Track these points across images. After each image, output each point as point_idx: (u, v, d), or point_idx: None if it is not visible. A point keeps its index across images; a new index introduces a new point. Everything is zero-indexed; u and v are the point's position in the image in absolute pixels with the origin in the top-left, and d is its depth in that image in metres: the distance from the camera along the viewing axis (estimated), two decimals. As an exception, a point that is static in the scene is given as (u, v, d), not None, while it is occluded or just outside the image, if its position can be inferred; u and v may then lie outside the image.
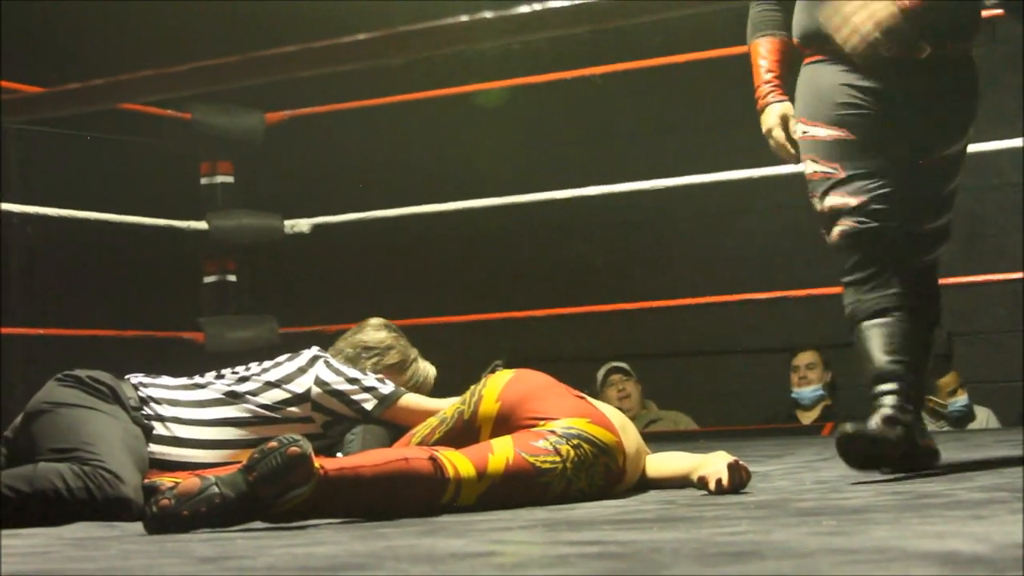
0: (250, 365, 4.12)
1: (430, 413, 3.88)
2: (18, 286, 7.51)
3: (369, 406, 4.00)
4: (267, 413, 3.98)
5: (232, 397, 3.99)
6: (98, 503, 3.56)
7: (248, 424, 3.97)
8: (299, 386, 4.01)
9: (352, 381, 4.03)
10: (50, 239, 7.76)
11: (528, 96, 8.47)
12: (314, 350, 4.15)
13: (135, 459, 3.73)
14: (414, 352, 4.35)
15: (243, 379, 4.04)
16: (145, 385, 3.98)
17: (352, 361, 4.21)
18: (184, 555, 2.56)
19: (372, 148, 9.00)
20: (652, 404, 7.84)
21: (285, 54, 2.19)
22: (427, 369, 4.35)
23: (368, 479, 3.20)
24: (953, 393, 7.12)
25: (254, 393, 3.99)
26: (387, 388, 4.04)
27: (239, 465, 3.15)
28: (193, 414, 3.95)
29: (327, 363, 4.07)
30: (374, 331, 4.32)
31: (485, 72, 7.99)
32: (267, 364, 4.10)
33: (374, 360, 4.23)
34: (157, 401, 3.94)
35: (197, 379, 4.08)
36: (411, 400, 4.04)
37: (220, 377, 4.08)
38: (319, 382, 4.01)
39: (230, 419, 3.97)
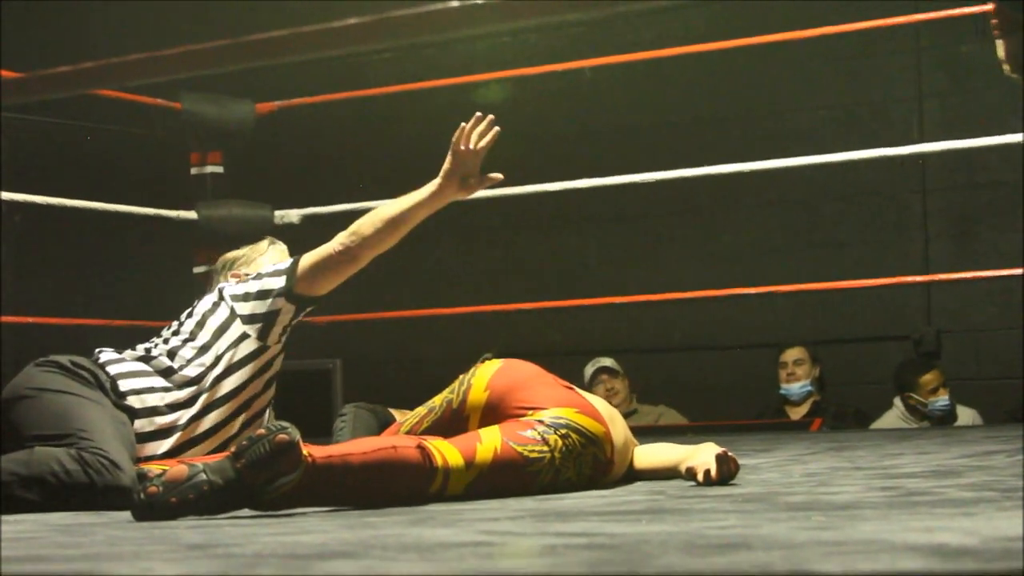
0: (172, 323, 4.14)
1: (327, 256, 3.96)
2: (7, 274, 7.49)
3: (281, 283, 4.01)
4: (209, 356, 3.98)
5: (177, 350, 4.00)
6: (97, 490, 3.53)
7: (203, 372, 3.97)
8: (222, 312, 4.04)
9: (256, 278, 4.08)
10: (40, 227, 7.75)
11: (520, 89, 8.47)
12: (215, 291, 4.19)
13: (126, 446, 3.72)
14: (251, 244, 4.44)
15: (175, 333, 4.07)
16: (111, 362, 3.96)
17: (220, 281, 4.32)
18: (171, 542, 2.55)
19: (362, 139, 8.99)
20: (633, 398, 7.84)
21: (275, 39, 2.18)
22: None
23: (356, 467, 3.19)
24: (934, 391, 7.09)
25: (192, 337, 4.02)
26: (284, 264, 4.08)
27: (227, 453, 3.14)
28: (158, 382, 3.94)
29: (229, 286, 4.12)
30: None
31: (476, 64, 7.99)
32: (185, 315, 4.12)
33: (228, 269, 4.33)
34: (124, 376, 3.92)
35: (143, 349, 4.07)
36: (308, 257, 4.05)
37: (155, 344, 4.09)
38: (234, 298, 4.04)
39: (188, 378, 3.96)
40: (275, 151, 8.70)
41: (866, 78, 8.25)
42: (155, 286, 8.18)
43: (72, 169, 7.91)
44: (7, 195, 6.19)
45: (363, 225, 4.07)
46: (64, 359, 3.88)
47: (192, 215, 7.02)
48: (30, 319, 6.59)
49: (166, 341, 4.07)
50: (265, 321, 4.03)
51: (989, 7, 4.73)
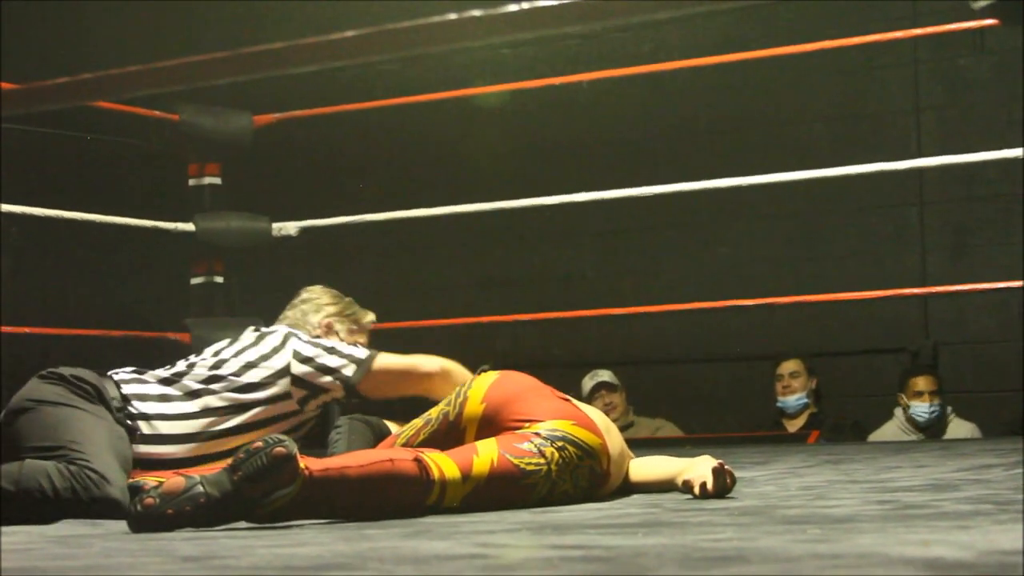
0: (219, 348, 4.12)
1: (408, 372, 3.94)
2: (6, 285, 7.50)
3: (349, 372, 4.03)
4: (246, 396, 3.98)
5: (212, 381, 3.99)
6: (84, 503, 3.54)
7: (228, 412, 3.96)
8: (278, 362, 4.02)
9: (329, 350, 4.06)
10: (37, 239, 7.75)
11: (518, 101, 8.47)
12: (284, 328, 4.16)
13: (120, 459, 3.72)
14: (355, 309, 4.41)
15: (221, 362, 4.04)
16: (127, 382, 3.96)
17: (298, 323, 4.24)
18: (167, 554, 2.55)
19: (361, 151, 9.00)
20: (630, 411, 7.85)
21: (273, 51, 2.18)
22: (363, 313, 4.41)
23: (353, 480, 3.19)
24: (920, 396, 7.07)
25: (236, 374, 4.00)
26: (362, 353, 4.06)
27: (224, 464, 3.14)
28: (175, 408, 3.94)
29: (299, 338, 4.09)
30: (309, 291, 4.40)
31: (475, 77, 8.00)
32: (241, 345, 4.09)
33: (318, 314, 4.28)
34: (140, 398, 3.92)
35: (175, 369, 4.06)
36: (387, 360, 4.06)
37: (193, 365, 4.07)
38: (296, 355, 4.03)
39: (212, 409, 3.96)
40: (273, 163, 8.70)
41: (864, 91, 8.26)
42: (153, 297, 8.18)
43: (70, 181, 7.91)
44: (5, 207, 6.18)
45: (457, 374, 4.11)
46: (67, 371, 3.89)
47: (190, 227, 7.01)
48: (28, 330, 6.59)
49: (210, 368, 4.03)
50: (312, 391, 4.04)
51: (988, 22, 4.74)
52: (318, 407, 4.10)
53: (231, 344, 4.12)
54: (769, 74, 8.11)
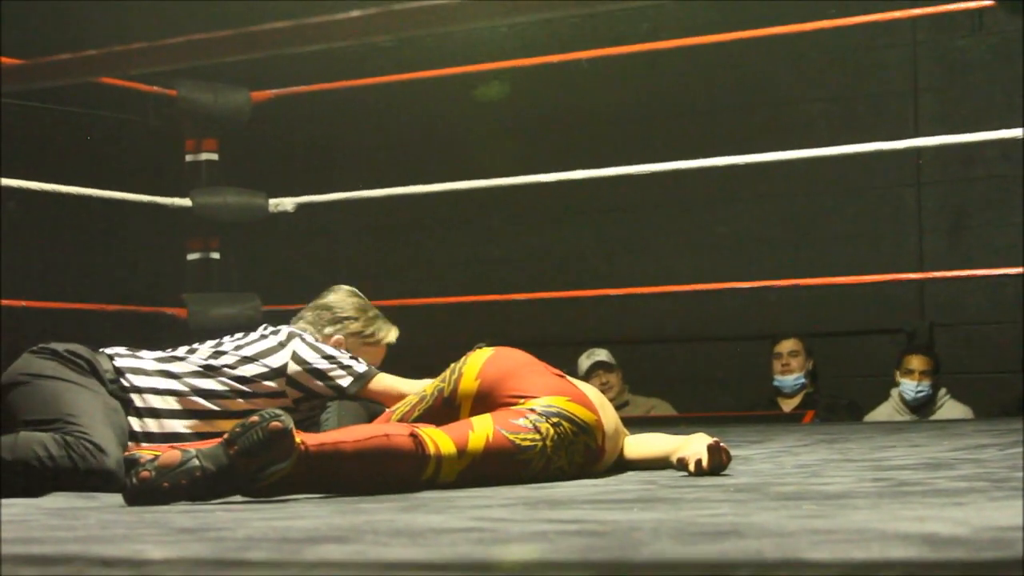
0: (223, 339, 4.12)
1: (403, 395, 3.89)
2: (2, 259, 7.49)
3: (344, 383, 4.01)
4: (241, 387, 3.97)
5: (208, 370, 3.98)
6: (80, 473, 3.55)
7: (222, 396, 3.96)
8: (275, 361, 4.01)
9: (328, 359, 4.03)
10: (35, 213, 7.74)
11: (516, 80, 8.47)
12: (291, 327, 4.15)
13: (116, 431, 3.73)
14: (377, 326, 4.33)
15: (219, 352, 4.03)
16: (121, 356, 3.97)
17: (313, 325, 4.21)
18: (163, 526, 2.56)
19: (358, 128, 8.99)
20: (626, 389, 7.85)
21: (276, 30, 2.19)
22: (386, 331, 4.35)
23: (349, 455, 3.20)
24: (909, 374, 7.08)
25: (231, 366, 3.99)
26: (362, 367, 4.04)
27: (220, 438, 3.15)
28: (168, 385, 3.94)
29: (303, 339, 4.07)
30: (335, 295, 4.32)
31: (473, 55, 7.99)
32: (242, 340, 4.08)
33: (335, 326, 4.24)
34: (133, 372, 3.92)
35: (173, 352, 4.07)
36: (385, 381, 4.04)
37: (193, 351, 4.07)
38: (296, 358, 4.01)
39: (205, 391, 3.96)
40: (270, 139, 8.69)
41: (862, 72, 8.25)
42: (149, 272, 8.18)
43: (68, 155, 7.90)
44: (4, 181, 6.18)
45: None
46: (60, 347, 3.89)
47: (187, 202, 7.02)
48: (25, 303, 6.59)
49: (207, 357, 4.02)
50: (307, 394, 4.03)
51: (986, 3, 4.74)
52: (313, 409, 4.10)
53: (235, 338, 4.11)
54: (767, 54, 8.11)
